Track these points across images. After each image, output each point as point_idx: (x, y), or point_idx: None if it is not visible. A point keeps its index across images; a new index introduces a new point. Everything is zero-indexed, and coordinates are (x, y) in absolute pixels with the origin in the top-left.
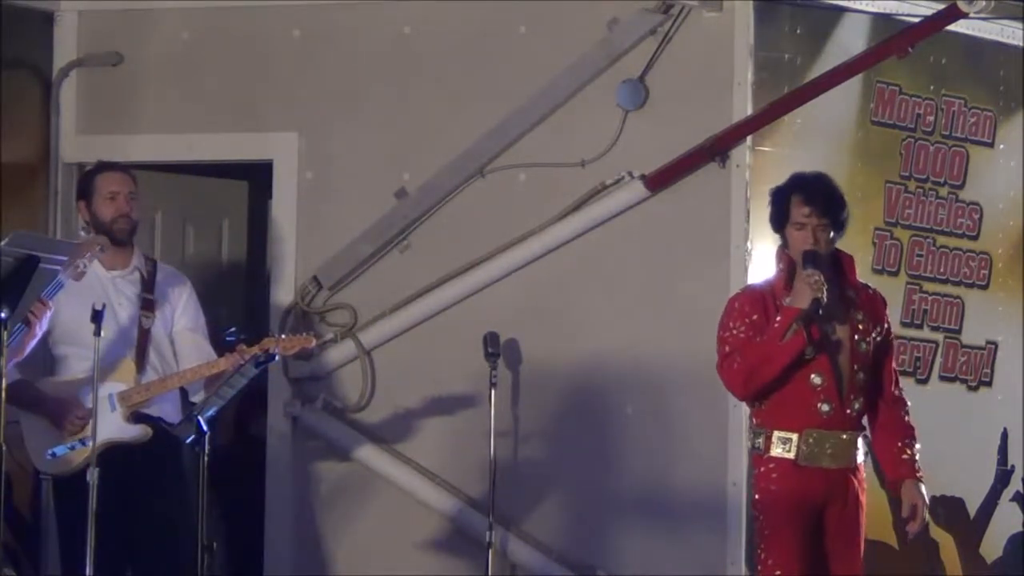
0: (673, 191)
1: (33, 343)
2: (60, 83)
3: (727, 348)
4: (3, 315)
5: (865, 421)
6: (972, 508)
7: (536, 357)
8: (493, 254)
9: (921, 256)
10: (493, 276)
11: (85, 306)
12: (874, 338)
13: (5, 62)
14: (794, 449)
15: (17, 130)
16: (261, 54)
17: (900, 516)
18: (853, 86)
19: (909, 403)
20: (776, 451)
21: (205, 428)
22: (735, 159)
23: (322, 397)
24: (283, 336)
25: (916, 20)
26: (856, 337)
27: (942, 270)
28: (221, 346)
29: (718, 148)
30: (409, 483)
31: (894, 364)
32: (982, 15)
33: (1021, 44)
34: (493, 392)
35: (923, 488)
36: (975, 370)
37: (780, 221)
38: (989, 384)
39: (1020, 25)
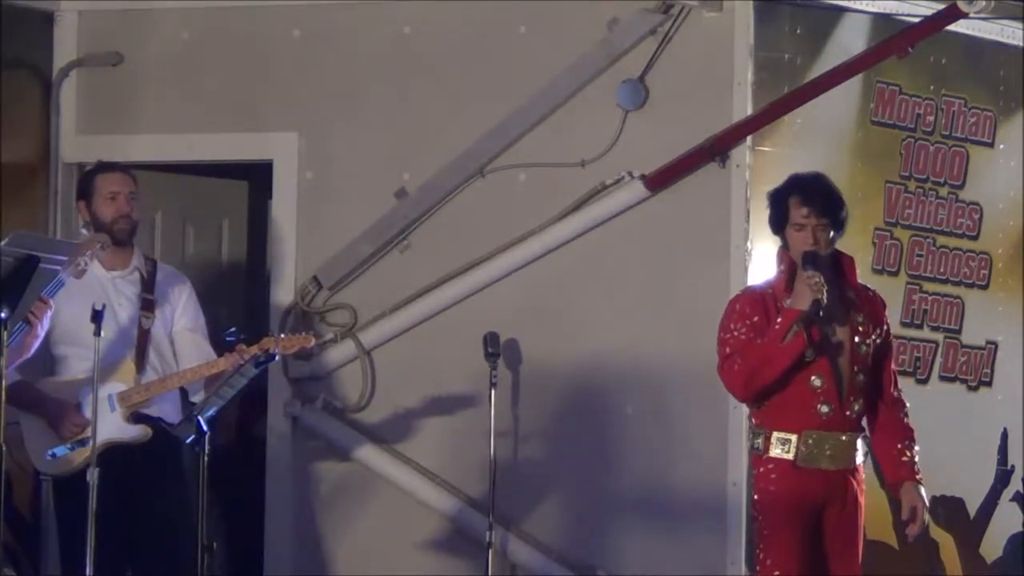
0: (673, 191)
1: (37, 343)
2: (60, 83)
3: (728, 350)
4: (3, 315)
5: (864, 422)
6: (972, 508)
7: (536, 357)
8: (493, 254)
9: (921, 256)
10: (493, 276)
11: (85, 306)
12: (874, 340)
13: (5, 62)
14: (793, 450)
15: (17, 130)
16: (261, 54)
17: (900, 517)
18: (853, 86)
19: (908, 404)
20: (775, 452)
21: (205, 428)
22: (735, 159)
23: (322, 397)
24: (282, 336)
25: (916, 20)
26: (856, 339)
27: (942, 270)
28: (221, 346)
29: (718, 148)
30: (409, 483)
31: (893, 365)
32: (982, 15)
33: (1021, 44)
34: (493, 392)
35: (922, 490)
36: (975, 370)
37: (779, 223)
38: (989, 384)
39: (1020, 25)
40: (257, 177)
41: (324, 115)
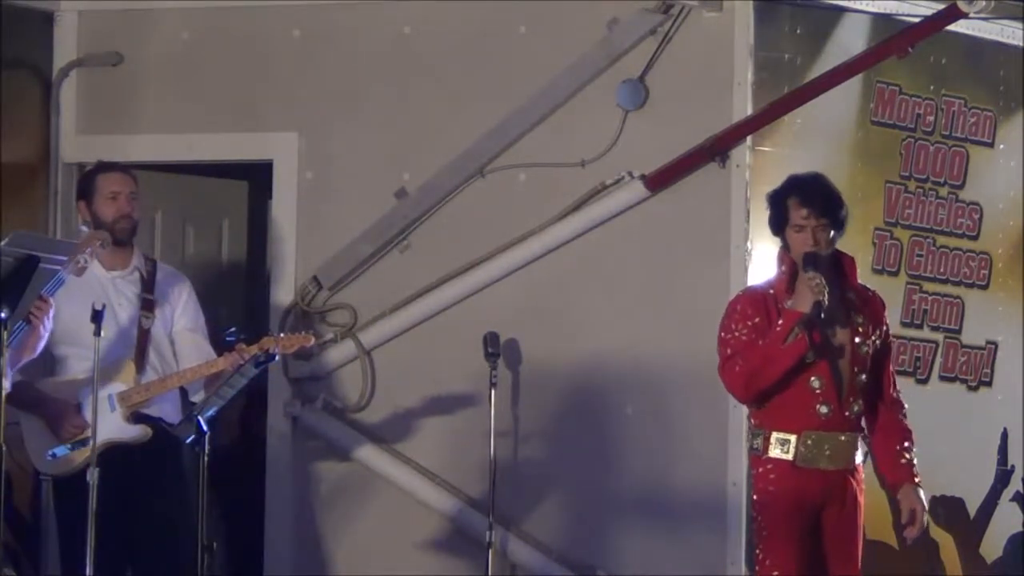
0: (673, 191)
1: (42, 343)
2: (60, 83)
3: (729, 350)
4: (3, 315)
5: (863, 423)
6: (972, 508)
7: (536, 357)
8: (493, 254)
9: (921, 256)
10: (493, 276)
11: (85, 306)
12: (874, 341)
13: (5, 62)
14: (792, 450)
15: (17, 130)
16: (261, 54)
17: (899, 518)
18: (853, 86)
19: (907, 405)
20: (774, 452)
21: (205, 428)
22: (735, 159)
23: (322, 397)
24: (282, 335)
25: (916, 20)
26: (857, 340)
27: (942, 270)
28: (221, 346)
29: (718, 148)
30: (409, 483)
31: (892, 366)
32: (982, 15)
33: (1021, 44)
34: (493, 392)
35: (921, 493)
36: (975, 370)
37: (779, 224)
38: (989, 384)
39: (1020, 25)
40: (257, 177)
41: (324, 115)
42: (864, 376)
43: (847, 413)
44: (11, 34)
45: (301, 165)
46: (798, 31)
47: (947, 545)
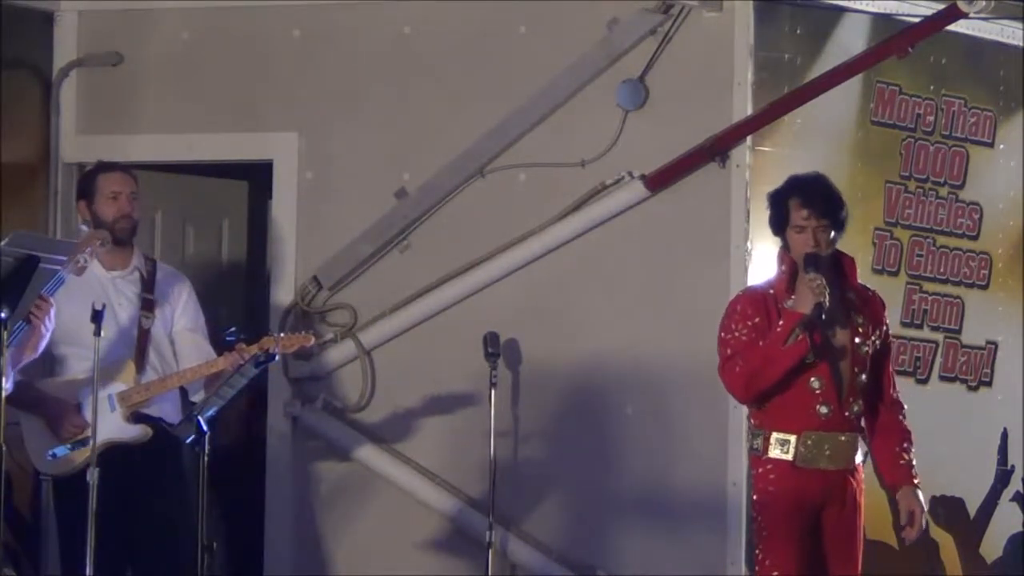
0: (673, 191)
1: (44, 343)
2: (60, 83)
3: (729, 351)
4: (3, 315)
5: (863, 423)
6: (972, 508)
7: (536, 357)
8: (493, 254)
9: (921, 256)
10: (493, 276)
11: (85, 306)
12: (874, 341)
13: (5, 62)
14: (792, 451)
15: (17, 130)
16: (261, 54)
17: (899, 519)
18: (853, 86)
19: (906, 406)
20: (774, 452)
21: (205, 428)
22: (735, 159)
23: (322, 397)
24: (282, 335)
25: (916, 20)
26: (857, 340)
27: (942, 270)
28: (221, 346)
29: (718, 148)
30: (409, 483)
31: (892, 366)
32: (982, 15)
33: (1021, 44)
34: (493, 392)
35: (920, 494)
36: (975, 370)
37: (779, 224)
38: (989, 384)
39: (1020, 25)
40: (257, 177)
41: (324, 115)
42: (864, 376)
43: (847, 413)
44: (11, 34)
45: (301, 165)
46: (798, 31)
47: (947, 545)
